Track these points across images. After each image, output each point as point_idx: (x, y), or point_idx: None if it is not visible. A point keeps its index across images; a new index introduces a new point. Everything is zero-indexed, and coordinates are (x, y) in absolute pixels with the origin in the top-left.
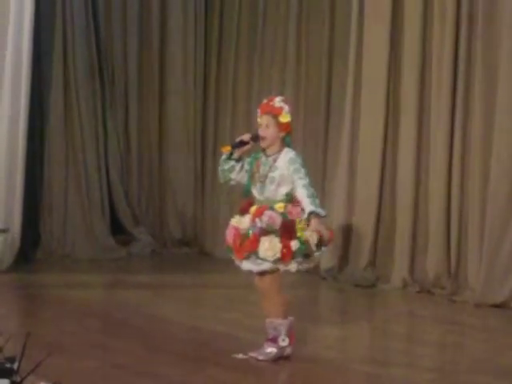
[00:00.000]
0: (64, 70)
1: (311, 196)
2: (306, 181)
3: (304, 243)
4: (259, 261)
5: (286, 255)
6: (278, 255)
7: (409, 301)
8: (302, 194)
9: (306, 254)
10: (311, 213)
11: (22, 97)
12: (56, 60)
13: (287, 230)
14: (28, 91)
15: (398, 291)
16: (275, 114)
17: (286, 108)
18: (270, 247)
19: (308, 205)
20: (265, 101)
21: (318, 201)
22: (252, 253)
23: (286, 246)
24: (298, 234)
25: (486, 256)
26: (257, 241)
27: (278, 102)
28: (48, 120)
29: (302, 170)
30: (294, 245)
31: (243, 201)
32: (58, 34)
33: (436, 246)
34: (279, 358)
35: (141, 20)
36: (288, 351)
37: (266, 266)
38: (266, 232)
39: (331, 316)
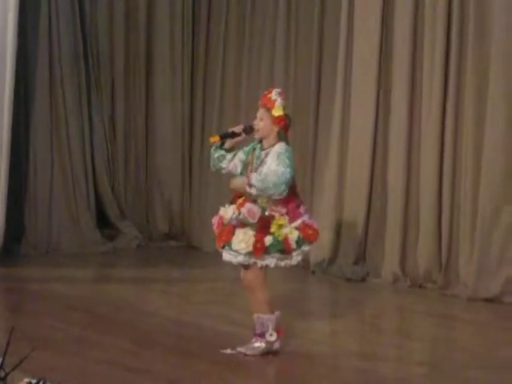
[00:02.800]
0: (49, 61)
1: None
2: (280, 168)
3: (279, 240)
4: (233, 252)
5: (259, 249)
6: (250, 248)
7: (400, 295)
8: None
9: (282, 250)
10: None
11: (6, 89)
12: (41, 49)
13: (264, 225)
14: (12, 83)
15: (389, 286)
16: (269, 107)
17: (279, 101)
18: (243, 239)
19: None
20: (265, 92)
21: (271, 185)
22: (226, 243)
23: (259, 240)
24: (273, 230)
25: (477, 250)
26: (232, 232)
27: (273, 94)
28: (33, 112)
29: (286, 161)
30: (268, 240)
31: (236, 191)
32: (43, 24)
33: (427, 240)
34: (267, 353)
35: (127, 5)
36: (276, 346)
37: (240, 258)
38: (242, 224)
39: (321, 310)
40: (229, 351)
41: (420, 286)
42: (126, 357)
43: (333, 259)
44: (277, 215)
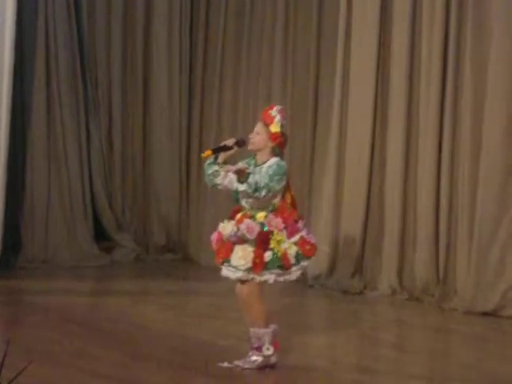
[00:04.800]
0: (46, 74)
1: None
2: (263, 181)
3: (278, 255)
4: (232, 268)
5: (258, 265)
6: (250, 264)
7: (397, 308)
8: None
9: (281, 266)
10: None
11: (4, 100)
12: (38, 63)
13: (263, 241)
14: (10, 94)
15: (387, 298)
16: (267, 122)
17: (278, 118)
18: (242, 256)
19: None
20: (266, 108)
21: (257, 188)
22: (225, 259)
23: (258, 256)
24: (272, 246)
25: (474, 263)
26: (231, 248)
27: (274, 111)
28: (30, 124)
29: (274, 177)
30: (268, 256)
31: (235, 206)
32: (40, 36)
33: (424, 253)
34: (265, 367)
35: (125, 21)
36: (273, 360)
37: (239, 274)
38: (241, 240)
39: (318, 323)
40: (226, 364)
41: (417, 299)
42: (123, 370)
43: (330, 272)
44: (275, 231)
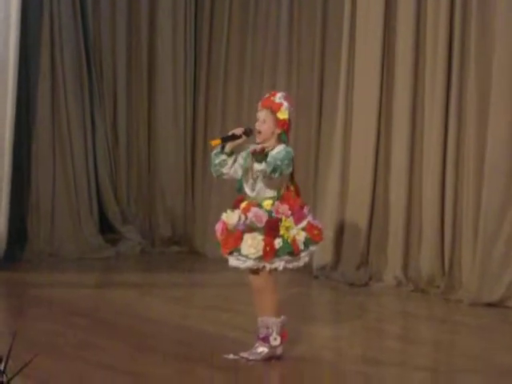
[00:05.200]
0: (51, 67)
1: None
2: (278, 162)
3: (288, 242)
4: (242, 258)
5: (269, 253)
6: (261, 253)
7: (402, 300)
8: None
9: (291, 252)
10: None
11: (9, 92)
12: (43, 54)
13: (272, 228)
14: (15, 87)
15: (392, 290)
16: (274, 109)
17: (286, 104)
18: (252, 244)
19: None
20: (266, 95)
21: (279, 164)
22: (235, 249)
23: (268, 244)
24: (282, 233)
25: (479, 254)
26: (240, 237)
27: (278, 97)
28: (35, 117)
29: (284, 161)
30: (278, 243)
31: (238, 196)
32: (45, 27)
33: (430, 244)
34: (271, 358)
35: (130, 12)
36: (279, 351)
37: (250, 263)
38: (250, 229)
39: (323, 315)
40: (231, 356)
41: (423, 291)
42: (128, 362)
43: (336, 264)
44: (283, 217)
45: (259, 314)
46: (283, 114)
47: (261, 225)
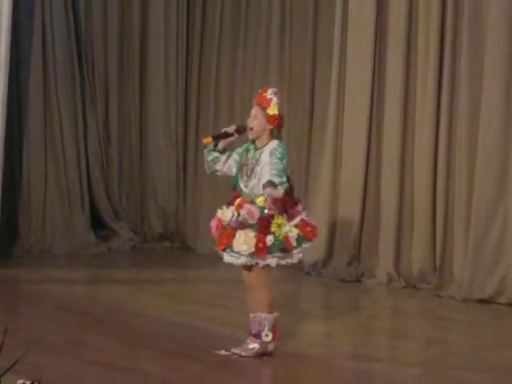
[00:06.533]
0: (43, 67)
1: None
2: (275, 172)
3: (280, 239)
4: (235, 254)
5: (261, 250)
6: (252, 249)
7: (394, 296)
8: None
9: (283, 249)
10: (267, 182)
11: (0, 91)
12: (35, 53)
13: (264, 225)
14: (5, 83)
15: (384, 286)
16: (264, 105)
17: (275, 100)
18: (244, 241)
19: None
20: (259, 91)
21: (279, 181)
22: (227, 245)
23: (260, 241)
24: (274, 230)
25: (471, 251)
26: (232, 234)
27: (269, 93)
28: (27, 115)
29: (279, 165)
30: (270, 240)
31: (233, 192)
32: (37, 26)
33: (421, 240)
34: (262, 354)
35: (122, 12)
36: (271, 347)
37: (243, 259)
38: (242, 225)
39: (315, 311)
40: (223, 352)
41: (414, 287)
42: (120, 358)
43: (327, 260)
44: (276, 214)
45: (252, 310)
46: (273, 110)
47: (253, 221)
